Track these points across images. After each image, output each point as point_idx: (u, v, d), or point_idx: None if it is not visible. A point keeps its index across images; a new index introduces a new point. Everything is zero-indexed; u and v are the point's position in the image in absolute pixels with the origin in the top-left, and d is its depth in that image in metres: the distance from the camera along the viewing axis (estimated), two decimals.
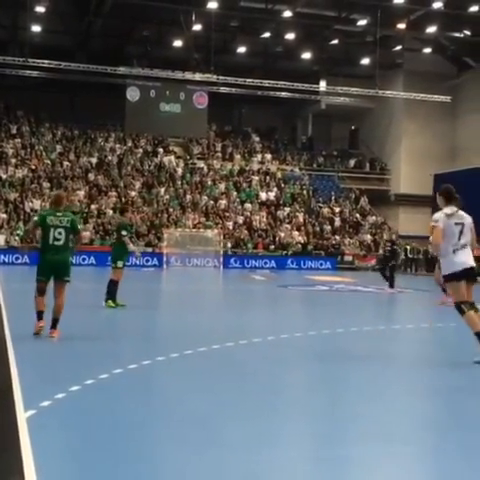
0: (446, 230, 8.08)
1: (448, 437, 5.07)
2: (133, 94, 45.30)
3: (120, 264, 13.34)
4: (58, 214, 9.44)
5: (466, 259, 8.15)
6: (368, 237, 42.88)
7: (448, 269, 8.14)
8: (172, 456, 4.44)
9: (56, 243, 9.30)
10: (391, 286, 21.10)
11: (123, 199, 39.46)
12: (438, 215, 8.21)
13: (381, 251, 21.50)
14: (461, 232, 8.19)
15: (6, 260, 33.40)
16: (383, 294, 20.66)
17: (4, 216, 36.38)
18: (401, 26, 41.02)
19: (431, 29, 41.63)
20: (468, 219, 8.34)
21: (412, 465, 4.46)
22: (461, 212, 8.31)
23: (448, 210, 8.22)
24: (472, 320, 7.93)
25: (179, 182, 43.41)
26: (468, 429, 5.26)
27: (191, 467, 4.18)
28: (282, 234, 40.51)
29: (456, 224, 8.18)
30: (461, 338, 9.35)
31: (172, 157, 45.56)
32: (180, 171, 44.50)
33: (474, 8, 38.37)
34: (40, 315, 9.29)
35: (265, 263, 38.00)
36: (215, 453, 4.46)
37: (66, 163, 41.94)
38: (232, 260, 37.77)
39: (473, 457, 4.52)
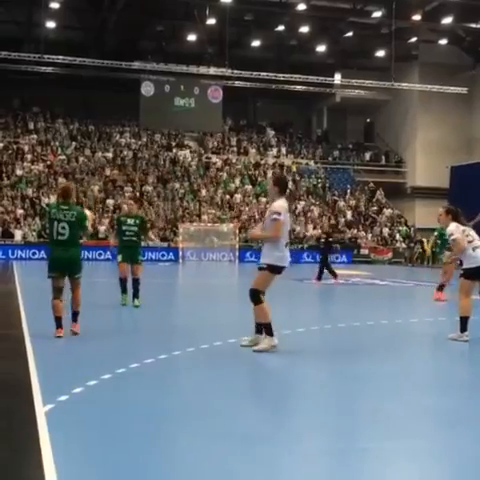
0: (286, 224, 8.24)
1: (466, 433, 5.05)
2: (148, 89, 45.42)
3: (119, 258, 12.90)
4: (63, 207, 8.80)
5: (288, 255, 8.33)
6: (385, 230, 42.73)
7: (277, 261, 8.19)
8: (189, 449, 4.46)
9: (60, 238, 8.73)
10: (319, 278, 20.78)
11: (138, 194, 39.59)
12: (281, 205, 8.24)
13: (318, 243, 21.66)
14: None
15: (23, 255, 33.66)
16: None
17: (21, 212, 36.62)
18: (416, 17, 40.74)
19: (447, 20, 41.29)
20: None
21: (429, 460, 4.45)
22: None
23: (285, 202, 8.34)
24: (265, 310, 8.07)
25: (194, 176, 43.46)
26: None
27: (208, 461, 4.19)
28: (298, 228, 40.45)
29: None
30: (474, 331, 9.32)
31: (187, 151, 45.61)
32: (195, 165, 44.54)
33: None
34: (59, 322, 8.77)
35: None
36: (231, 447, 4.47)
37: (82, 158, 42.11)
38: (248, 254, 37.74)
39: None
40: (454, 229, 9.22)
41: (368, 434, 4.91)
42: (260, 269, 8.31)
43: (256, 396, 5.93)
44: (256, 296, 8.12)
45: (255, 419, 5.17)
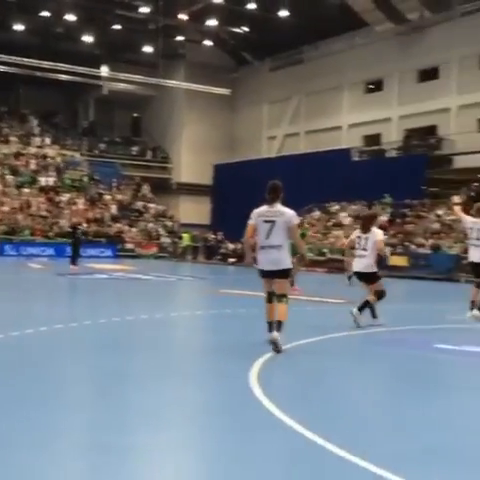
0: (257, 226, 8.07)
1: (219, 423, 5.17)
2: None
3: None
4: None
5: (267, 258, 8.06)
6: (150, 225, 43.06)
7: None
8: None
9: None
10: (74, 263, 24.35)
11: None
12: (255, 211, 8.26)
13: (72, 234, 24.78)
14: (270, 230, 7.95)
15: None
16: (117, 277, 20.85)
17: None
18: (183, 17, 41.60)
19: (212, 22, 42.69)
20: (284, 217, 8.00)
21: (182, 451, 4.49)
22: (277, 208, 8.04)
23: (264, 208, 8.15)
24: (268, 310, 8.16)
25: None
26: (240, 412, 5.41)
27: None
28: (63, 221, 39.39)
29: (265, 222, 8.00)
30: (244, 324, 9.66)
31: None
32: None
33: (252, 5, 39.88)
34: None
35: (43, 251, 36.71)
36: None
37: None
38: (7, 247, 36.02)
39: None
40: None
41: (125, 427, 4.83)
42: None
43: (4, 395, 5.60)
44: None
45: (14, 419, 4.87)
